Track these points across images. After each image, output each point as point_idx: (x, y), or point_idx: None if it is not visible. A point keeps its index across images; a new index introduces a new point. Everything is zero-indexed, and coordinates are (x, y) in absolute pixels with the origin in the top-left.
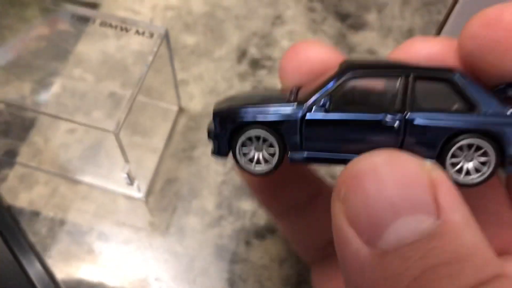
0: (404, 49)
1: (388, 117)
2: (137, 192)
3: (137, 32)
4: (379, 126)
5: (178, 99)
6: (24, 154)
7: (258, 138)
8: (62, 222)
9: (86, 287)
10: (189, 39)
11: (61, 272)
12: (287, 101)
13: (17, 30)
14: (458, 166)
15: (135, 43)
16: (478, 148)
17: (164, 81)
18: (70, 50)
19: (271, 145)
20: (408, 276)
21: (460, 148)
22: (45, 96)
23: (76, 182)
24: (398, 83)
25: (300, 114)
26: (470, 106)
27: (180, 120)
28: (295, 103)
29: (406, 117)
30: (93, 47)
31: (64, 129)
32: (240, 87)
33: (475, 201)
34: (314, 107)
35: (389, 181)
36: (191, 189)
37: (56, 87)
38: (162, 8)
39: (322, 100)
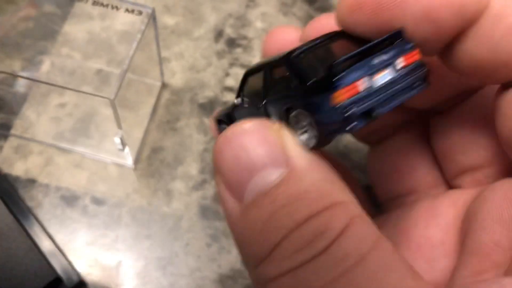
0: (312, 25)
1: (259, 105)
2: (126, 160)
3: (127, 10)
4: (258, 112)
5: (162, 75)
6: (18, 127)
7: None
8: (57, 188)
9: (82, 244)
10: (170, 20)
11: (58, 233)
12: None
13: (4, 11)
14: (299, 132)
15: (119, 24)
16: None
17: (148, 59)
18: (58, 30)
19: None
20: (260, 221)
21: (296, 117)
22: (35, 73)
23: (68, 152)
24: (263, 75)
25: (263, 107)
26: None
27: (164, 95)
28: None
29: (265, 103)
30: (79, 27)
31: (54, 104)
32: (218, 64)
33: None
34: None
35: (243, 145)
36: (176, 156)
37: (45, 65)
38: None
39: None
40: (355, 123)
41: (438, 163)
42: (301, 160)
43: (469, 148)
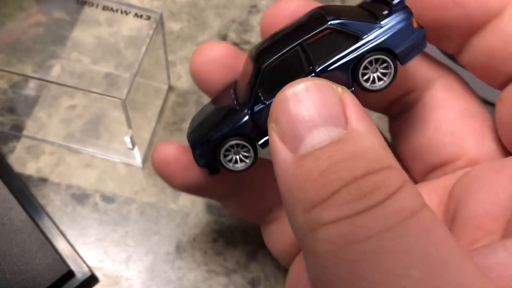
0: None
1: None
2: (135, 159)
3: (136, 14)
4: None
5: (169, 78)
6: (30, 128)
7: (233, 145)
8: (68, 187)
9: (92, 240)
10: (174, 26)
11: (69, 229)
12: (234, 110)
13: (14, 17)
14: (366, 76)
15: (125, 29)
16: (381, 61)
17: (155, 63)
18: (67, 35)
19: (243, 147)
20: (317, 171)
21: (368, 64)
22: (46, 77)
23: (79, 152)
24: (298, 53)
25: (248, 116)
26: (355, 37)
27: (170, 97)
28: (241, 108)
29: (317, 70)
30: (88, 32)
31: (65, 106)
32: None
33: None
34: (254, 105)
35: (306, 101)
36: None
37: (55, 69)
38: None
39: (255, 94)
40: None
41: (402, 164)
42: (360, 124)
43: (435, 148)
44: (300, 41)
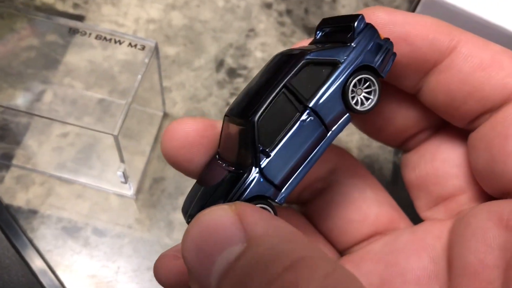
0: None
1: (304, 115)
2: (128, 191)
3: (130, 44)
4: (304, 127)
5: (164, 105)
6: (20, 157)
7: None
8: (58, 219)
9: (83, 276)
10: (170, 50)
11: (59, 265)
12: (237, 176)
13: (5, 40)
14: (355, 100)
15: (120, 53)
16: (363, 81)
17: (150, 89)
18: (59, 59)
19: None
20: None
21: (353, 87)
22: (37, 103)
23: (70, 182)
24: (286, 95)
25: (258, 174)
26: (334, 64)
27: (165, 124)
28: (246, 170)
29: (310, 106)
30: (81, 57)
31: (56, 134)
32: (219, 94)
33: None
34: (259, 161)
35: (198, 239)
36: (177, 187)
37: (47, 94)
38: (145, 21)
39: (257, 150)
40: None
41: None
42: (257, 229)
43: (442, 179)
44: (283, 82)
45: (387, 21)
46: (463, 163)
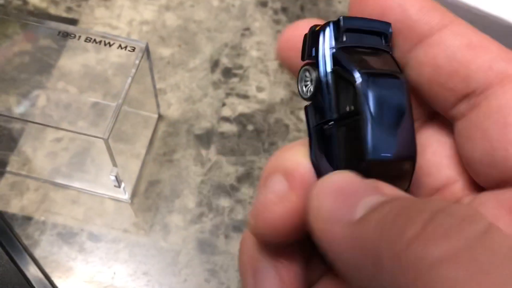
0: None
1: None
2: (123, 194)
3: (120, 46)
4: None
5: (158, 107)
6: (14, 163)
7: None
8: (53, 225)
9: (79, 282)
10: (165, 51)
11: (54, 271)
12: None
13: None
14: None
15: (114, 56)
16: None
17: (144, 91)
18: (53, 64)
19: None
20: (391, 215)
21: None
22: (31, 108)
23: (65, 187)
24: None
25: None
26: None
27: (160, 127)
28: None
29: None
30: (75, 61)
31: (50, 139)
32: (214, 94)
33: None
34: None
35: (344, 183)
36: (173, 189)
37: (41, 99)
38: (138, 23)
39: None
40: None
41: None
42: (397, 192)
43: (434, 170)
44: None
45: None
46: (453, 154)
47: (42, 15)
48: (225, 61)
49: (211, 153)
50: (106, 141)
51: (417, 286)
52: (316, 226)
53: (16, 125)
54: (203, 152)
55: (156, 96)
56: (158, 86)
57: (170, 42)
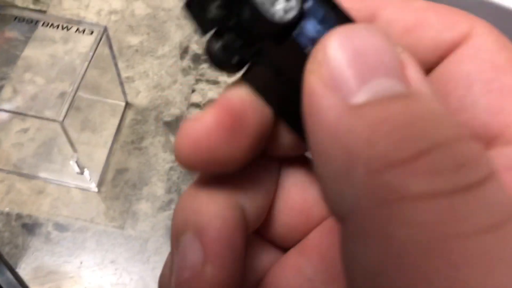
0: None
1: None
2: (89, 183)
3: (78, 30)
4: None
5: (124, 95)
6: None
7: None
8: (18, 216)
9: (45, 274)
10: (133, 40)
11: (19, 263)
12: None
13: None
14: None
15: (81, 46)
16: None
17: (110, 80)
18: (19, 55)
19: None
20: (390, 122)
21: None
22: None
23: (31, 178)
24: None
25: None
26: None
27: (128, 115)
28: None
29: None
30: (42, 51)
31: (16, 130)
32: (184, 81)
33: None
34: None
35: (365, 44)
36: (141, 177)
37: (6, 90)
38: (107, 12)
39: None
40: None
41: None
42: (424, 87)
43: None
44: None
45: None
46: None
47: (10, 7)
48: (194, 48)
49: None
50: (61, 124)
51: (375, 214)
52: (309, 79)
53: None
54: (172, 138)
55: (121, 83)
56: (126, 74)
57: (138, 31)
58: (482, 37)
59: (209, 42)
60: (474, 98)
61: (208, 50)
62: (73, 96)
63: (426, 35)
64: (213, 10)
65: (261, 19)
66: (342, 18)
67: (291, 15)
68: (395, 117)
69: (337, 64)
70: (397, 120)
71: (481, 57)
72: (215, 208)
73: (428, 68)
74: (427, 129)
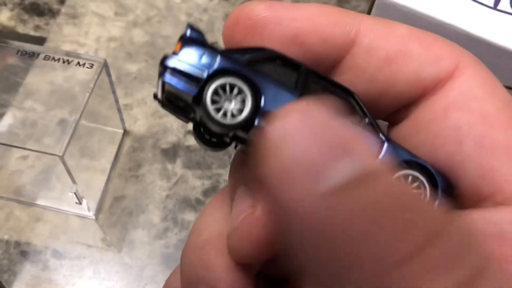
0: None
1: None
2: (87, 211)
3: (79, 64)
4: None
5: (123, 122)
6: None
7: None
8: (17, 244)
9: None
10: (132, 67)
11: None
12: None
13: None
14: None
15: (80, 73)
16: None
17: (109, 107)
18: (20, 82)
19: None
20: (362, 217)
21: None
22: None
23: (30, 205)
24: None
25: None
26: None
27: (126, 142)
28: None
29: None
30: (42, 79)
31: (16, 157)
32: None
33: None
34: None
35: (319, 126)
36: (138, 205)
37: (7, 118)
38: (106, 39)
39: None
40: None
41: None
42: (381, 163)
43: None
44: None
45: (270, 18)
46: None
47: (11, 34)
48: None
49: (177, 167)
50: (61, 158)
51: None
52: (266, 182)
53: None
54: (169, 166)
55: (120, 111)
56: (124, 101)
57: (137, 58)
58: (469, 79)
59: (193, 127)
60: (465, 157)
61: (193, 133)
62: (74, 128)
63: (407, 68)
64: (180, 109)
65: (214, 122)
66: (295, 96)
67: (242, 116)
68: (367, 203)
69: (290, 154)
70: (383, 204)
71: (470, 106)
72: (224, 262)
73: (408, 102)
74: (419, 215)
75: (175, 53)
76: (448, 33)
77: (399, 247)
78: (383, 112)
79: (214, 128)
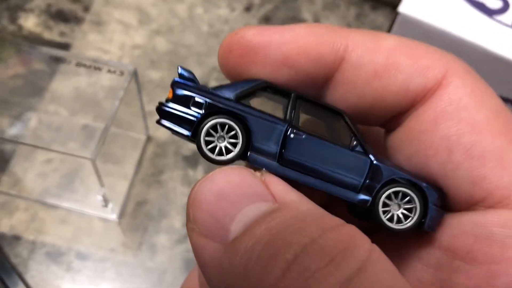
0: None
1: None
2: (111, 214)
3: (109, 70)
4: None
5: (146, 129)
6: (5, 183)
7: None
8: (42, 244)
9: None
10: (155, 74)
11: None
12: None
13: None
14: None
15: (105, 79)
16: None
17: (133, 113)
18: (45, 87)
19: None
20: (258, 246)
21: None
22: (23, 130)
23: (54, 207)
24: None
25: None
26: None
27: (149, 148)
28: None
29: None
30: (67, 84)
31: (41, 160)
32: None
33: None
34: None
35: (226, 185)
36: (160, 210)
37: (33, 121)
38: (130, 47)
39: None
40: None
41: None
42: (290, 195)
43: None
44: None
45: (260, 44)
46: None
47: (37, 40)
48: (213, 84)
49: (198, 174)
50: (93, 162)
51: None
52: (191, 237)
53: (8, 146)
54: (191, 172)
55: (144, 118)
56: (147, 108)
57: (160, 66)
58: (458, 88)
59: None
60: (456, 165)
61: (199, 151)
62: (105, 135)
63: (395, 80)
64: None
65: (211, 161)
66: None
67: (235, 152)
68: (262, 237)
69: (204, 217)
70: (264, 239)
71: (459, 116)
72: None
73: (399, 111)
74: (291, 236)
75: (168, 99)
76: (469, 50)
77: (273, 266)
78: (376, 121)
79: (212, 163)
